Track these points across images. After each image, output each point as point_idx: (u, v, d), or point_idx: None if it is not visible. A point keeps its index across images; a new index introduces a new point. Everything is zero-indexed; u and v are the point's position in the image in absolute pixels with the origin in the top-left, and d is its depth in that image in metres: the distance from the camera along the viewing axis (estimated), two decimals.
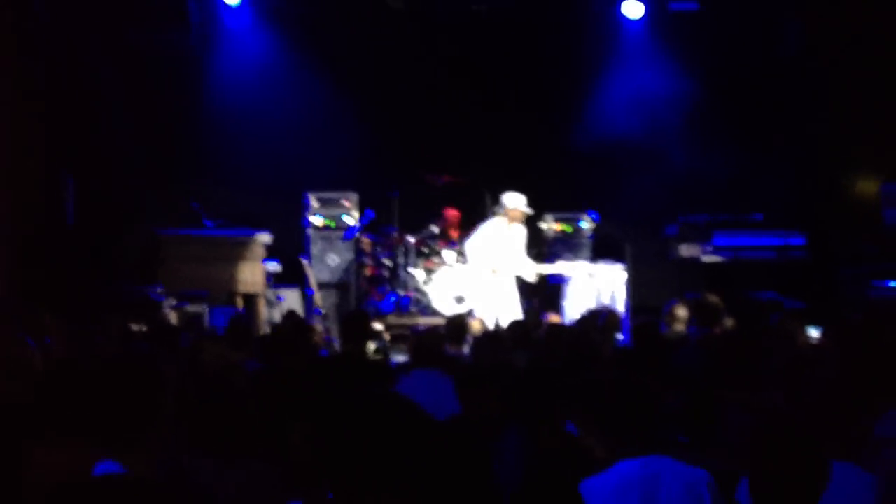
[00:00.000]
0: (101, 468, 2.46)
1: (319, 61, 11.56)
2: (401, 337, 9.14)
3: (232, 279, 9.07)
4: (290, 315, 6.56)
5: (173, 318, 8.30)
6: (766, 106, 11.55)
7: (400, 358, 7.53)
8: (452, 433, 2.53)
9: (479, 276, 9.49)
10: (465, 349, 6.50)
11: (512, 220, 9.38)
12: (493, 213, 9.57)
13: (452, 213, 10.79)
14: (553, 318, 7.70)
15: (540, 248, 10.84)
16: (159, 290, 8.45)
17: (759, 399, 4.03)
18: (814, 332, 6.10)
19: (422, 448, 2.12)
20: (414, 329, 7.68)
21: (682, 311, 6.72)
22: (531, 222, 11.09)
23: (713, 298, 6.33)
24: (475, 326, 7.43)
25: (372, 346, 7.35)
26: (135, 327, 5.90)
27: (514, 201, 9.37)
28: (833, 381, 3.72)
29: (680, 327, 6.65)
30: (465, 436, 2.52)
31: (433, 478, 2.14)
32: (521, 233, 9.57)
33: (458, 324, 6.31)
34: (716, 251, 10.43)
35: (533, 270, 9.50)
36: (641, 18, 11.79)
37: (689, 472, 3.09)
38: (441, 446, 2.29)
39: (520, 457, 3.55)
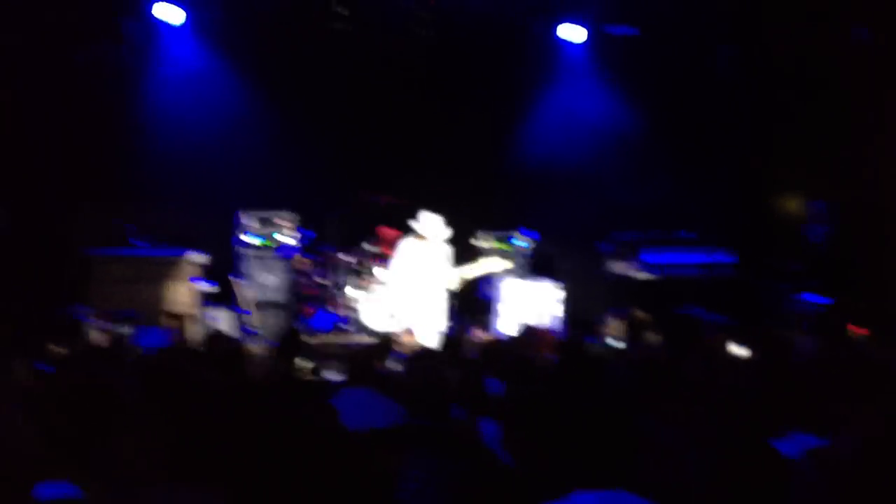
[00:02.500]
0: (53, 490, 2.40)
1: (257, 79, 11.53)
2: (336, 355, 9.11)
3: (162, 299, 8.95)
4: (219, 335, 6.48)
5: (100, 339, 8.14)
6: (696, 128, 11.82)
7: (335, 376, 7.50)
8: (360, 451, 2.54)
9: (405, 294, 9.58)
10: (393, 366, 6.50)
11: (424, 239, 9.48)
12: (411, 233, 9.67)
13: (390, 233, 10.81)
14: (477, 333, 7.74)
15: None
16: (85, 311, 8.28)
17: (680, 414, 4.09)
18: (739, 349, 6.24)
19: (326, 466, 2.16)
20: (348, 346, 7.67)
21: (615, 325, 6.84)
22: (467, 240, 11.18)
23: (639, 314, 6.44)
24: (408, 342, 7.44)
25: (305, 364, 7.29)
26: (56, 349, 5.77)
27: (426, 223, 9.46)
28: (755, 397, 3.80)
29: (612, 341, 6.77)
30: (371, 453, 2.52)
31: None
32: (442, 250, 9.65)
33: (384, 341, 6.32)
34: (646, 268, 10.61)
35: (455, 277, 9.59)
36: (582, 42, 12.00)
37: None
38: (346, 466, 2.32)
39: (436, 476, 3.52)
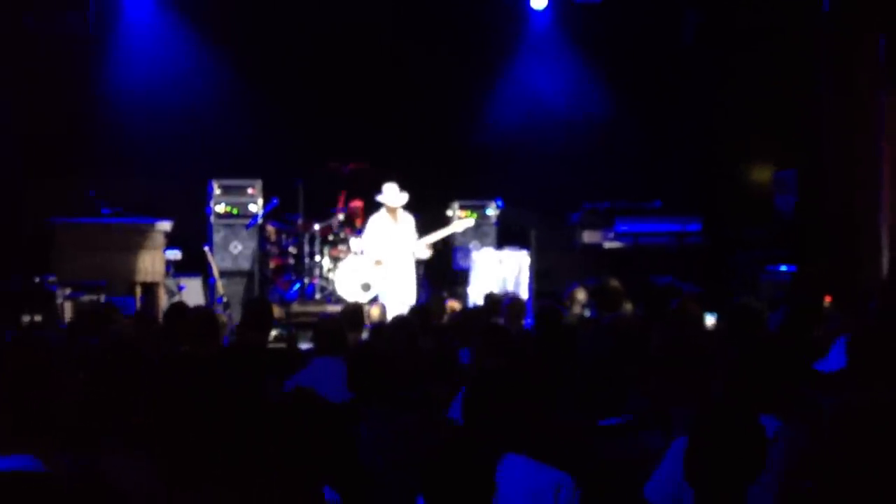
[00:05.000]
0: (12, 463, 2.36)
1: (222, 46, 11.37)
2: (306, 325, 9.09)
3: (131, 268, 8.86)
4: (181, 306, 6.41)
5: (68, 308, 8.06)
6: (665, 96, 11.84)
7: (305, 345, 7.48)
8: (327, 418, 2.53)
9: (375, 267, 9.63)
10: (365, 336, 6.49)
11: (391, 210, 9.51)
12: (378, 206, 9.70)
13: (356, 204, 10.78)
14: (452, 303, 7.74)
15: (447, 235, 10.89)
16: (53, 280, 8.17)
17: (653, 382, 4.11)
18: (709, 318, 6.29)
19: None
20: (320, 316, 7.64)
21: (581, 295, 6.86)
22: (438, 210, 11.16)
23: (614, 283, 6.45)
24: (374, 313, 7.43)
25: (274, 332, 7.25)
26: (27, 318, 5.71)
27: (385, 192, 9.50)
28: (724, 367, 3.82)
29: (579, 310, 6.79)
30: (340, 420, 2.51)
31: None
32: (407, 220, 9.67)
33: (354, 311, 6.29)
34: (617, 237, 10.65)
35: (421, 246, 9.63)
36: (546, 10, 11.94)
37: (538, 477, 2.92)
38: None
39: (392, 445, 3.53)
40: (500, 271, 10.15)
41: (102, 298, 8.45)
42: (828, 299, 5.09)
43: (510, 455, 2.94)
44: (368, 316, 7.30)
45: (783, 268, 8.95)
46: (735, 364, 3.61)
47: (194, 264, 10.19)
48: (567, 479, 2.93)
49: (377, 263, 9.56)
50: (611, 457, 3.48)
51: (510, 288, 9.78)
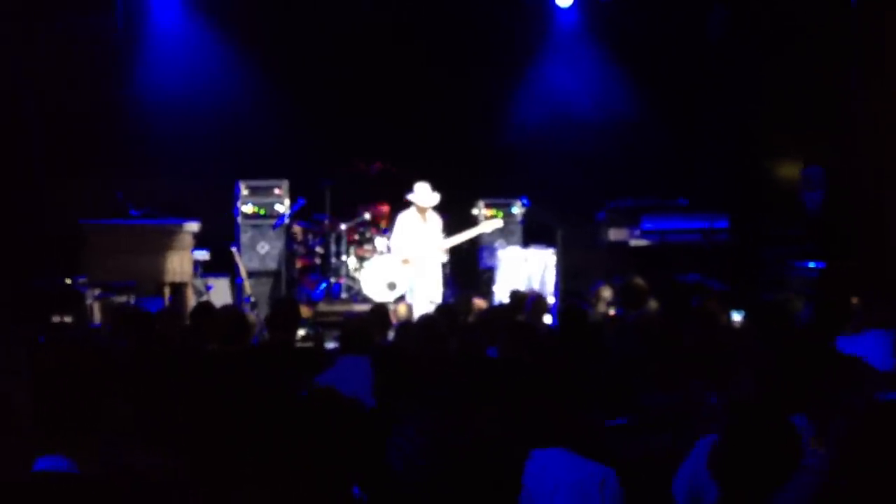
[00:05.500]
0: (48, 463, 2.40)
1: (249, 48, 11.44)
2: (332, 324, 9.13)
3: (159, 269, 8.95)
4: (207, 305, 6.47)
5: (98, 309, 8.15)
6: (691, 92, 11.77)
7: (331, 345, 7.51)
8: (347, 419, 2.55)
9: (402, 266, 9.64)
10: (391, 335, 6.51)
11: (420, 209, 9.50)
12: (408, 205, 9.70)
13: (383, 207, 10.81)
14: (478, 302, 7.74)
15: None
16: (83, 281, 8.27)
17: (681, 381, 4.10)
18: (736, 316, 6.25)
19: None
20: (346, 315, 7.67)
21: (606, 293, 6.85)
22: (463, 209, 11.16)
23: (639, 281, 6.43)
24: (401, 311, 7.44)
25: (302, 332, 7.28)
26: (57, 319, 5.78)
27: (417, 191, 9.49)
28: (752, 365, 3.80)
29: (604, 308, 6.77)
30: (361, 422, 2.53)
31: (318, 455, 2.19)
32: (435, 220, 9.67)
33: (381, 312, 6.31)
34: (643, 235, 10.60)
35: (442, 247, 9.62)
36: (571, 8, 11.92)
37: (580, 470, 2.93)
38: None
39: (419, 444, 3.54)
40: (525, 270, 10.15)
41: (132, 299, 8.53)
42: (855, 296, 5.05)
43: (551, 450, 2.93)
44: (395, 314, 7.32)
45: (811, 264, 8.88)
46: (765, 362, 3.60)
47: (222, 264, 10.26)
48: (611, 473, 2.93)
49: (404, 262, 9.58)
50: (634, 454, 3.48)
51: (536, 286, 9.77)
